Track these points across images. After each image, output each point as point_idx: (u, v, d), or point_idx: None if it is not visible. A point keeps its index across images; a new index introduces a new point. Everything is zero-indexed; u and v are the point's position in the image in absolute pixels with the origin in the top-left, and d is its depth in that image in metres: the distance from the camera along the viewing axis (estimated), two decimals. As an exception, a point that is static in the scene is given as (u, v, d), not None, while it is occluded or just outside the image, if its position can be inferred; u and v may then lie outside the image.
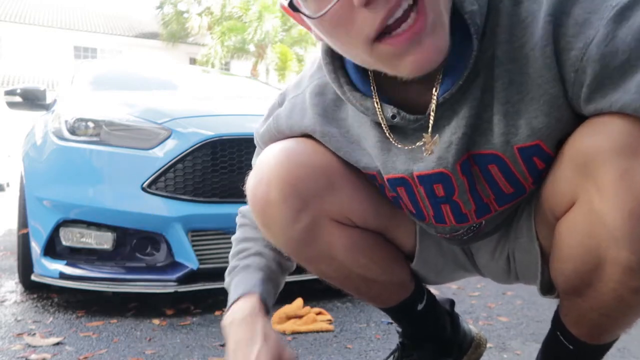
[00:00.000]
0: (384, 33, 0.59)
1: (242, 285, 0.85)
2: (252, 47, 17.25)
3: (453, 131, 0.69)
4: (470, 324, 1.19)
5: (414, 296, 0.99)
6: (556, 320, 0.84)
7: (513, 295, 2.05)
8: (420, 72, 0.61)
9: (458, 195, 0.75)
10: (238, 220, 1.00)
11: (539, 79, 0.62)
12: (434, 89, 0.67)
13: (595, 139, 0.61)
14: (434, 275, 0.99)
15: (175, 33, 19.46)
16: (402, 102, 0.71)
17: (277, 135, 0.88)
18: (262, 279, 0.85)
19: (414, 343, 1.07)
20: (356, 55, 0.65)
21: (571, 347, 0.81)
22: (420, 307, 1.00)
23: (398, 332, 1.10)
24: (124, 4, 24.20)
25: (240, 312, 0.80)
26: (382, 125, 0.73)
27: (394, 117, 0.71)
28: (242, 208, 1.00)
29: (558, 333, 0.83)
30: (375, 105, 0.71)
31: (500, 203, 0.76)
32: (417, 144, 0.72)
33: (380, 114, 0.71)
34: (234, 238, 0.97)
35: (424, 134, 0.71)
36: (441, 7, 0.59)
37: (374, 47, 0.60)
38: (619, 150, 0.58)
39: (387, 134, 0.74)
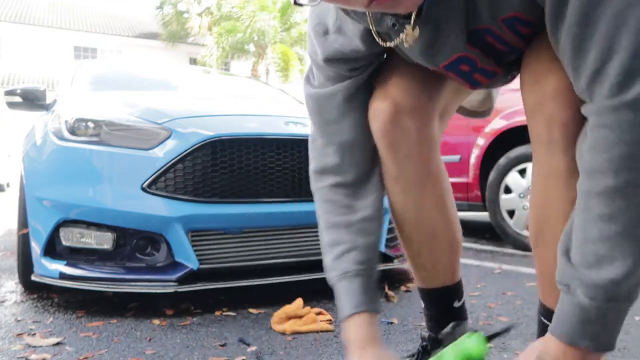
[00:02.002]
0: None
1: (350, 299, 0.92)
2: (252, 47, 17.26)
3: (455, 20, 0.77)
4: (470, 324, 1.19)
5: (455, 289, 1.05)
6: (539, 307, 0.88)
7: (513, 295, 2.05)
8: (414, 9, 0.71)
9: (481, 62, 0.86)
10: (320, 187, 1.00)
11: None
12: None
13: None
14: None
15: (175, 33, 19.46)
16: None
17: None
18: (364, 289, 0.91)
19: (437, 348, 1.08)
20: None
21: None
22: (457, 304, 1.05)
23: (423, 337, 1.11)
24: (124, 4, 24.12)
25: (352, 336, 0.90)
26: (372, 30, 0.80)
27: (394, 25, 0.78)
28: (316, 155, 1.00)
29: (542, 317, 0.87)
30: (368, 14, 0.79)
31: (510, 56, 0.88)
32: (396, 40, 0.80)
33: (370, 19, 0.79)
34: (321, 216, 0.98)
35: (406, 26, 0.77)
36: None
37: (370, 6, 0.66)
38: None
39: (375, 35, 0.81)
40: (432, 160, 0.96)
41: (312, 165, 1.00)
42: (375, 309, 0.91)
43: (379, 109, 0.91)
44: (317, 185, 1.00)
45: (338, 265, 0.93)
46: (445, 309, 1.06)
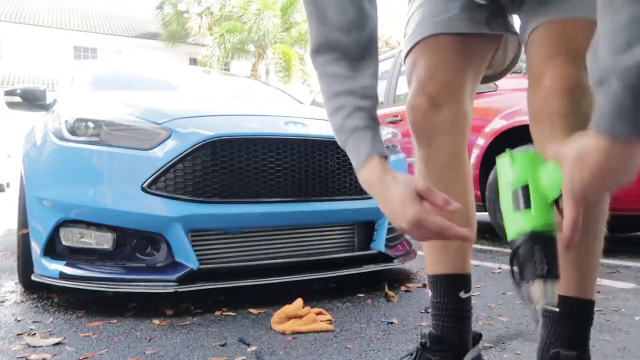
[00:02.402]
0: None
1: (361, 149, 0.93)
2: (252, 47, 17.26)
3: None
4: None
5: (463, 279, 1.08)
6: None
7: (513, 295, 2.05)
8: None
9: None
10: (320, 63, 1.01)
11: None
12: None
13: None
14: None
15: (176, 33, 19.47)
16: None
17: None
18: (373, 139, 0.93)
19: (437, 345, 1.08)
20: None
21: (557, 309, 0.90)
22: (463, 295, 1.07)
23: (422, 334, 1.11)
24: (124, 4, 24.17)
25: (371, 176, 0.91)
26: None
27: None
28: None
29: None
30: None
31: None
32: None
33: None
34: (324, 89, 1.00)
35: None
36: None
37: None
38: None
39: None
40: (461, 148, 1.06)
41: (310, 46, 1.02)
42: (385, 153, 0.94)
43: (418, 103, 1.02)
44: (318, 61, 1.01)
45: (346, 124, 0.96)
46: (451, 297, 1.07)
